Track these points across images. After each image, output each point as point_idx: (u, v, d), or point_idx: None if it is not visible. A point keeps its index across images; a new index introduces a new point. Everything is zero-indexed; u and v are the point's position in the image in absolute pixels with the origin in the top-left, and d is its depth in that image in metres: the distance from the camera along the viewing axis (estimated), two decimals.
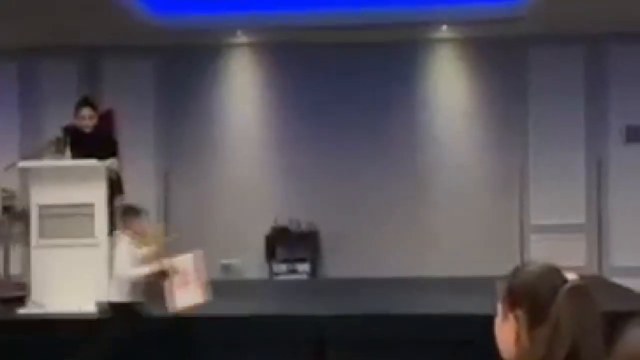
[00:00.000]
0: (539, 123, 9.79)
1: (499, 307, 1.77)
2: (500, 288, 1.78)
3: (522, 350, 1.70)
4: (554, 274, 1.71)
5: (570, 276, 1.70)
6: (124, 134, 8.53)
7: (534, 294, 1.71)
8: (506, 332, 1.74)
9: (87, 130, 7.66)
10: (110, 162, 7.35)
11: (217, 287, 8.89)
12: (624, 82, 9.71)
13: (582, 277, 1.72)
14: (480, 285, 7.81)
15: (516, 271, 1.78)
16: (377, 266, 9.11)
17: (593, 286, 1.72)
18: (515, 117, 9.91)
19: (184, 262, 6.17)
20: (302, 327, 6.68)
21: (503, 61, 9.92)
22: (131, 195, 8.50)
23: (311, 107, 9.81)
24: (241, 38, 9.98)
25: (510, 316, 1.74)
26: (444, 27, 9.61)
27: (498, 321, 1.76)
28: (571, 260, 7.34)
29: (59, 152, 7.40)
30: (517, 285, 1.74)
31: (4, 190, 9.04)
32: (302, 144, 9.11)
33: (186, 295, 6.08)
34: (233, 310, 7.07)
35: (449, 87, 10.15)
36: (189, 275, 6.16)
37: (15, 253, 8.94)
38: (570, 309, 1.65)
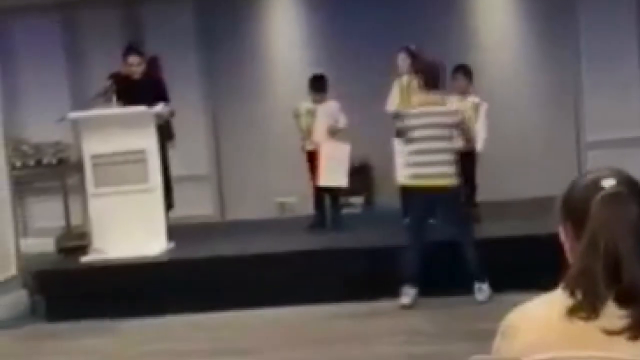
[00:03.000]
0: (591, 35, 9.47)
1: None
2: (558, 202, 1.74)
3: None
4: (593, 183, 1.65)
5: (607, 183, 1.63)
6: (170, 80, 8.52)
7: (573, 207, 1.66)
8: (565, 246, 1.70)
9: (136, 76, 7.72)
10: (160, 107, 7.40)
11: (273, 225, 9.02)
12: None
13: (621, 182, 1.64)
14: (534, 206, 7.76)
15: (570, 184, 1.74)
16: None
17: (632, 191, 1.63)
18: (565, 30, 9.62)
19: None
20: (356, 259, 6.73)
21: None
22: (182, 139, 8.57)
23: (357, 40, 9.65)
24: None
25: (563, 230, 1.71)
26: None
27: (562, 235, 1.73)
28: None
29: (108, 101, 7.48)
30: (564, 198, 1.70)
31: (57, 143, 9.20)
32: (350, 77, 9.01)
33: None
34: (285, 247, 7.17)
35: (495, 6, 9.92)
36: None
37: (75, 204, 9.13)
38: (600, 218, 1.59)
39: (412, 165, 6.47)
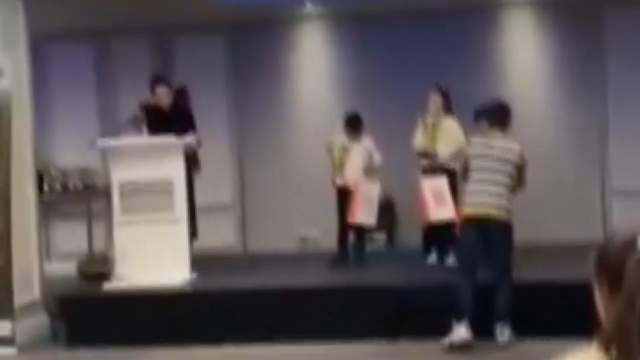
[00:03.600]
0: (618, 82, 9.49)
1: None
2: (591, 257, 1.74)
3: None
4: (629, 243, 1.65)
5: None
6: (197, 111, 8.61)
7: (609, 267, 1.66)
8: (598, 303, 1.71)
9: (165, 108, 7.80)
10: (190, 138, 7.48)
11: (294, 259, 9.03)
12: None
13: None
14: (558, 252, 7.71)
15: (604, 241, 1.75)
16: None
17: None
18: (593, 76, 9.65)
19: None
20: (378, 298, 6.71)
21: (580, 22, 9.66)
22: (207, 170, 8.62)
23: (384, 78, 9.73)
24: (310, 10, 9.95)
25: (597, 289, 1.72)
26: None
27: (596, 292, 1.73)
28: None
29: (138, 130, 7.57)
30: (597, 256, 1.71)
31: (84, 169, 9.29)
32: (375, 115, 9.05)
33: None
34: (307, 282, 7.15)
35: (524, 49, 9.97)
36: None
37: (98, 229, 9.19)
38: (637, 280, 1.58)
39: (467, 194, 6.48)
